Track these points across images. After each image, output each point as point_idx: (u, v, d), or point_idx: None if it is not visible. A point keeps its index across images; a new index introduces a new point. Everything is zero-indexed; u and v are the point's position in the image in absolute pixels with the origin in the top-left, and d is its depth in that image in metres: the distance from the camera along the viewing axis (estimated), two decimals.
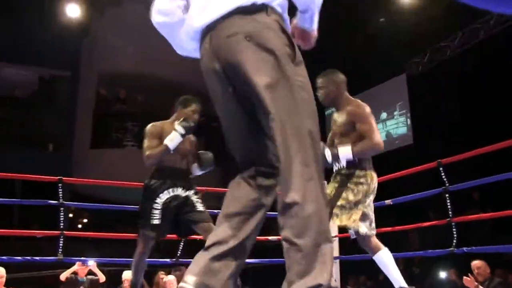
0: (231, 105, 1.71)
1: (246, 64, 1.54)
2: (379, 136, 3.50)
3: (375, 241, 3.55)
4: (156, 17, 1.85)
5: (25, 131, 12.25)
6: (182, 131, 3.54)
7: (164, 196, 3.63)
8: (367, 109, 3.53)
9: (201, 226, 3.60)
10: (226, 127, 1.84)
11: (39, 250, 6.01)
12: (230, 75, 1.60)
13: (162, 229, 3.64)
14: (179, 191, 3.66)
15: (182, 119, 3.60)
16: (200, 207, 3.65)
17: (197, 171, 3.84)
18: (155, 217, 3.59)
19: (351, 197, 3.43)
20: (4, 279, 5.99)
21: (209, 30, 1.65)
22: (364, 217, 3.42)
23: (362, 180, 3.46)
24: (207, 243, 1.62)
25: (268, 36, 1.57)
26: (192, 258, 3.16)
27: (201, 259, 1.60)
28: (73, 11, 10.17)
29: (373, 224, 3.53)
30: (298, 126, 1.52)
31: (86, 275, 6.75)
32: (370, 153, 3.53)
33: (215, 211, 8.48)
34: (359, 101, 3.65)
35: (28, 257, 5.44)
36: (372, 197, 3.53)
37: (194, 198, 3.69)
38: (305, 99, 1.61)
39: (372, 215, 3.52)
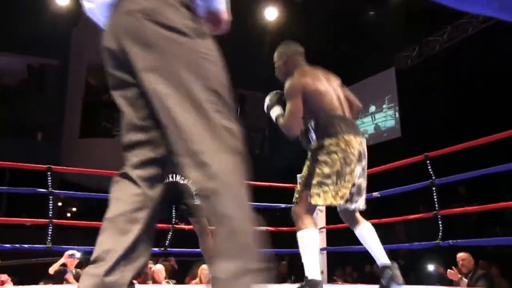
0: None
1: (138, 44, 1.46)
2: (291, 118, 3.13)
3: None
4: (85, 3, 1.77)
5: (14, 120, 12.18)
6: None
7: None
8: (295, 85, 3.17)
9: (194, 220, 3.64)
10: None
11: (28, 238, 6.00)
12: (123, 56, 1.51)
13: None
14: (178, 178, 3.67)
15: None
16: (197, 199, 3.65)
17: None
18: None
19: (326, 170, 2.95)
20: None
21: (113, 7, 1.57)
22: (358, 190, 3.07)
23: (333, 148, 2.97)
24: (94, 254, 1.44)
25: (167, 13, 1.47)
26: (180, 247, 3.15)
27: (91, 276, 1.40)
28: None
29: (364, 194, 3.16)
30: (197, 101, 1.41)
31: (75, 267, 6.71)
32: (284, 132, 3.24)
33: None
34: (298, 75, 3.27)
35: (17, 245, 5.43)
36: (356, 163, 3.01)
37: (193, 187, 3.69)
38: (211, 70, 1.51)
39: (363, 184, 3.13)
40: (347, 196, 3.00)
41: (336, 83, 3.29)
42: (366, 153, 3.11)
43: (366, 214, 6.21)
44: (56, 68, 12.81)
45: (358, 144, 3.01)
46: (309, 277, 2.92)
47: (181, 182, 3.68)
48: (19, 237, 6.49)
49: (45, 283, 6.98)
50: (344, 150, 2.95)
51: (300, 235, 3.04)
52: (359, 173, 3.03)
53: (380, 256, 3.10)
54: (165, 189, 3.65)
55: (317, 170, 2.98)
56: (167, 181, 3.64)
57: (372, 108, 12.34)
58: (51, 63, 12.65)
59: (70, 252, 6.57)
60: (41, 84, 12.95)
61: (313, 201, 2.96)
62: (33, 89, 12.78)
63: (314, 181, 2.98)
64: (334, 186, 2.93)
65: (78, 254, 6.73)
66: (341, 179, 2.93)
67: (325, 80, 3.23)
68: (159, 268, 6.83)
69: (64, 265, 6.68)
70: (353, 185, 3.01)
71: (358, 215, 3.15)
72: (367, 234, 3.12)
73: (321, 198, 2.93)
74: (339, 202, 2.96)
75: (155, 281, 6.75)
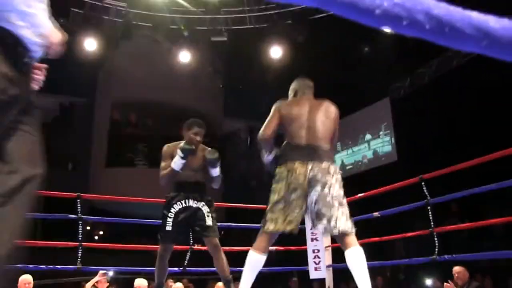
0: None
1: None
2: (264, 126, 3.02)
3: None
4: None
5: (47, 152, 12.26)
6: (181, 154, 3.56)
7: (177, 207, 3.68)
8: (276, 105, 3.11)
9: (207, 239, 3.66)
10: None
11: (60, 260, 5.99)
12: None
13: (173, 235, 3.68)
14: (191, 203, 3.67)
15: (184, 142, 3.62)
16: (208, 221, 3.66)
17: (212, 172, 3.76)
18: (168, 225, 3.66)
19: (275, 197, 2.84)
20: (31, 285, 5.98)
21: None
22: (318, 215, 2.75)
23: (279, 176, 2.86)
24: None
25: None
26: (199, 267, 3.14)
27: None
28: (90, 45, 10.23)
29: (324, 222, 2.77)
30: None
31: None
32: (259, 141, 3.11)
33: (218, 224, 8.44)
34: (287, 100, 3.22)
35: (51, 266, 5.43)
36: (305, 189, 2.78)
37: (205, 210, 3.70)
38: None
39: (324, 209, 2.75)
40: (298, 222, 2.81)
41: (324, 113, 3.01)
42: (324, 180, 2.76)
43: (368, 232, 6.18)
44: (84, 106, 12.96)
45: (307, 170, 2.77)
46: None
47: (194, 206, 3.70)
48: (52, 259, 6.47)
49: None
50: (286, 177, 2.81)
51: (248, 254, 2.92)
52: (314, 199, 2.75)
53: (362, 284, 2.65)
54: (181, 214, 3.64)
55: (270, 198, 2.90)
56: (181, 206, 3.67)
57: (369, 136, 12.33)
58: (80, 101, 12.82)
59: (103, 271, 6.54)
60: (71, 120, 13.10)
61: (265, 228, 2.84)
62: (64, 125, 12.91)
63: (268, 208, 2.90)
64: (283, 212, 2.78)
65: (110, 273, 6.69)
66: (288, 205, 2.77)
67: (306, 108, 3.02)
68: (179, 286, 6.78)
69: (96, 285, 6.62)
70: (313, 211, 2.77)
71: (349, 239, 2.77)
72: (352, 260, 2.72)
73: (272, 224, 2.80)
74: (287, 228, 2.77)
75: None
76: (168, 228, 3.66)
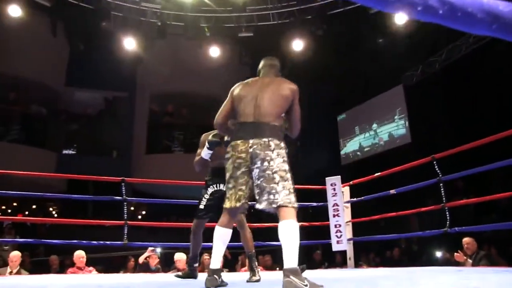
0: None
1: None
2: (219, 112, 2.87)
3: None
4: None
5: (95, 142, 12.48)
6: (208, 145, 3.56)
7: (210, 190, 3.75)
8: (231, 89, 2.90)
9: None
10: None
11: (108, 236, 6.11)
12: None
13: (205, 213, 3.73)
14: (221, 187, 3.68)
15: (213, 134, 3.59)
16: None
17: (204, 153, 3.66)
18: (202, 203, 3.73)
19: (227, 176, 2.71)
20: (85, 259, 6.15)
21: None
22: (260, 191, 2.55)
23: (228, 155, 2.71)
24: None
25: None
26: (230, 242, 3.16)
27: None
28: (129, 44, 10.32)
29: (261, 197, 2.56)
30: None
31: (155, 265, 6.74)
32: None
33: (249, 202, 8.46)
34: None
35: (101, 242, 5.56)
36: (249, 166, 2.60)
37: None
38: None
39: (264, 183, 2.53)
40: (246, 197, 2.65)
41: (275, 90, 2.74)
42: (264, 156, 2.55)
43: (385, 209, 6.14)
44: (125, 99, 13.09)
45: (248, 147, 2.59)
46: (210, 266, 2.71)
47: (224, 189, 3.72)
48: (101, 236, 6.61)
49: (124, 273, 7.08)
50: (232, 155, 2.65)
51: None
52: (256, 175, 2.56)
53: (286, 258, 2.36)
54: (213, 196, 3.65)
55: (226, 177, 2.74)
56: (214, 189, 3.70)
57: (386, 119, 12.19)
58: (122, 95, 12.95)
59: (152, 248, 6.65)
60: (115, 112, 13.25)
61: (224, 204, 2.72)
62: (108, 117, 13.09)
63: (226, 187, 2.76)
64: (234, 190, 2.65)
65: (158, 250, 6.77)
66: (236, 183, 2.64)
67: (257, 87, 2.79)
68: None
69: (147, 259, 6.69)
70: (257, 186, 2.57)
71: (285, 211, 2.48)
72: (282, 232, 2.43)
73: (228, 202, 2.68)
74: (237, 205, 2.64)
75: None
76: (201, 206, 3.73)
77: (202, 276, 3.29)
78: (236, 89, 2.85)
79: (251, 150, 2.58)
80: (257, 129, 2.62)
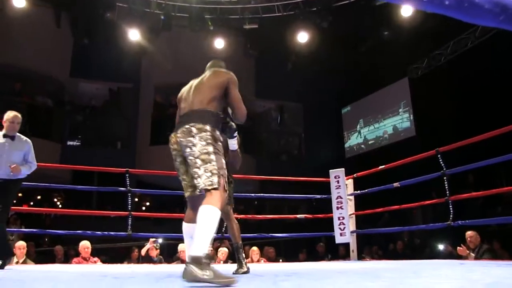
0: None
1: None
2: None
3: None
4: None
5: (100, 133, 12.49)
6: (229, 136, 3.51)
7: None
8: None
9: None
10: None
11: (113, 227, 6.15)
12: None
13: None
14: None
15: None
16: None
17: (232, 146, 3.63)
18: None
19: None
20: (89, 250, 6.20)
21: None
22: (193, 178, 2.53)
23: None
24: None
25: None
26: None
27: None
28: (134, 36, 10.31)
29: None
30: None
31: (156, 256, 6.79)
32: None
33: (252, 194, 8.43)
34: None
35: (106, 232, 5.59)
36: (181, 156, 2.64)
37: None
38: None
39: (193, 169, 2.49)
40: (190, 185, 2.64)
41: (206, 81, 2.74)
42: (186, 142, 2.52)
43: (388, 201, 6.13)
44: (130, 90, 13.09)
45: (176, 138, 2.61)
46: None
47: None
48: (106, 226, 6.65)
49: (128, 263, 7.13)
50: (170, 148, 2.70)
51: None
52: (187, 162, 2.55)
53: (193, 245, 2.25)
54: None
55: None
56: None
57: (390, 112, 12.16)
58: (126, 86, 12.94)
59: (153, 239, 6.67)
60: (119, 104, 13.25)
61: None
62: (113, 108, 13.09)
63: None
64: (182, 181, 2.71)
65: (160, 240, 6.79)
66: (180, 173, 2.70)
67: (192, 84, 2.83)
68: (224, 251, 6.82)
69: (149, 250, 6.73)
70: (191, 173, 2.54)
71: (207, 196, 2.38)
72: (197, 217, 2.32)
73: (184, 193, 2.73)
74: (187, 195, 2.69)
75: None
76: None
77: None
78: (180, 92, 2.89)
79: (178, 140, 2.59)
80: (184, 119, 2.61)
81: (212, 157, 2.44)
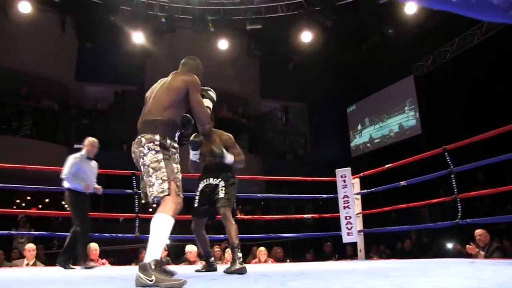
0: None
1: None
2: None
3: None
4: None
5: (106, 135, 12.51)
6: (191, 148, 3.65)
7: (201, 185, 3.78)
8: None
9: (218, 209, 3.65)
10: None
11: (120, 229, 6.16)
12: None
13: (199, 210, 3.74)
14: (211, 180, 3.74)
15: (194, 135, 3.54)
16: (221, 193, 3.67)
17: (224, 161, 3.69)
18: (195, 202, 3.77)
19: None
20: (98, 252, 6.22)
21: None
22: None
23: None
24: None
25: None
26: (241, 234, 3.10)
27: None
28: (138, 38, 10.34)
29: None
30: None
31: (164, 257, 6.77)
32: None
33: (259, 195, 8.44)
34: None
35: (113, 234, 5.62)
36: (139, 163, 2.66)
37: (221, 184, 3.71)
38: None
39: (146, 177, 2.58)
40: (144, 194, 2.67)
41: (166, 85, 2.74)
42: (138, 153, 2.59)
43: (395, 200, 6.11)
44: (135, 93, 13.10)
45: (133, 147, 2.65)
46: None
47: (213, 183, 3.75)
48: (113, 229, 6.65)
49: (136, 265, 7.13)
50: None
51: None
52: (143, 172, 2.60)
53: (148, 250, 2.34)
54: (204, 191, 3.64)
55: None
56: (204, 184, 3.70)
57: (396, 110, 12.12)
58: (131, 89, 12.95)
59: None
60: (124, 106, 13.28)
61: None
62: (119, 110, 13.12)
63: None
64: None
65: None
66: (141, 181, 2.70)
67: (155, 87, 2.85)
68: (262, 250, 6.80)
69: None
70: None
71: (160, 204, 2.48)
72: (151, 225, 2.40)
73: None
74: (146, 200, 2.66)
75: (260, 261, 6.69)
76: (196, 205, 3.76)
77: (221, 268, 3.32)
78: (146, 94, 2.89)
79: (132, 151, 2.66)
80: (138, 128, 2.66)
81: (162, 164, 2.50)
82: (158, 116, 2.61)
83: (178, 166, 2.63)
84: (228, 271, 3.38)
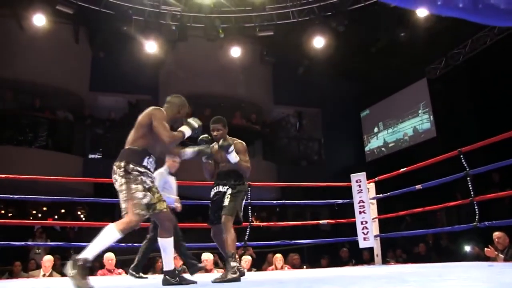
0: None
1: None
2: None
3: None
4: None
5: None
6: (204, 157, 3.80)
7: (212, 193, 3.86)
8: None
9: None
10: None
11: (136, 238, 6.18)
12: None
13: (211, 218, 3.82)
14: (220, 188, 3.79)
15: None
16: (226, 201, 3.68)
17: (229, 158, 3.76)
18: (210, 211, 3.85)
19: None
20: (114, 261, 6.26)
21: None
22: None
23: None
24: None
25: None
26: (257, 241, 3.11)
27: None
28: (151, 48, 10.44)
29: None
30: None
31: (180, 266, 6.77)
32: None
33: (274, 201, 8.43)
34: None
35: (129, 244, 5.66)
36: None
37: (228, 192, 3.72)
38: None
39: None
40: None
41: (139, 119, 3.25)
42: (114, 179, 3.05)
43: (411, 204, 6.06)
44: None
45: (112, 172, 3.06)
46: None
47: (222, 190, 3.80)
48: (129, 238, 6.70)
49: (152, 274, 7.16)
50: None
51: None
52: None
53: (85, 249, 2.72)
54: (214, 198, 3.73)
55: None
56: (215, 191, 3.79)
57: (410, 114, 12.05)
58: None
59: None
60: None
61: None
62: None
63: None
64: None
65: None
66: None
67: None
68: (248, 259, 6.78)
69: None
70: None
71: None
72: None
73: None
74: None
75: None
76: (209, 212, 3.84)
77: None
78: None
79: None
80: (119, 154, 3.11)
81: (124, 187, 2.93)
82: (133, 146, 3.11)
83: (145, 185, 2.95)
84: (216, 281, 3.36)
